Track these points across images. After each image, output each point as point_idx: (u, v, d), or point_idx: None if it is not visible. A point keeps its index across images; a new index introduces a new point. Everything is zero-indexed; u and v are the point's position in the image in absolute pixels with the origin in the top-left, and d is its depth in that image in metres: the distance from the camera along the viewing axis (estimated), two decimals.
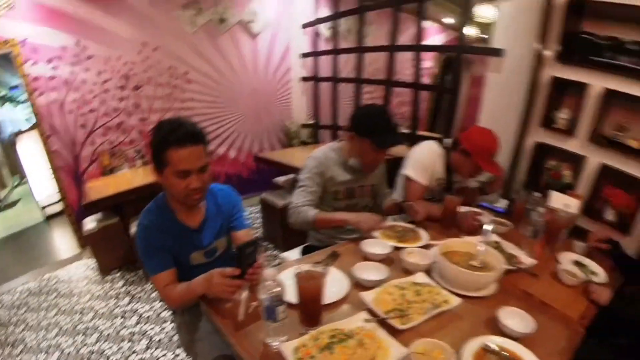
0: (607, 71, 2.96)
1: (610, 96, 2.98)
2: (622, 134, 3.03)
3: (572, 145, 3.25)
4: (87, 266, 4.22)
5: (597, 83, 3.02)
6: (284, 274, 1.88)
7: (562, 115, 3.28)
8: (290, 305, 1.59)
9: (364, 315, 1.64)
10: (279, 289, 1.44)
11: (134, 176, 4.27)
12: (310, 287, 1.53)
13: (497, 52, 3.55)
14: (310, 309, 1.58)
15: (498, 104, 3.66)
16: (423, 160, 2.83)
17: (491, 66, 3.66)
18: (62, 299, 3.64)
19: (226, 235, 2.20)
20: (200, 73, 4.96)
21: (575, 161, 3.23)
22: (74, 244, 4.52)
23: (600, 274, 2.38)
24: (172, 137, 1.71)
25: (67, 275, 4.07)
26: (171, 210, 1.96)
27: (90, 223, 4.05)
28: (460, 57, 3.98)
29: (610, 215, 3.09)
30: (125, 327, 3.22)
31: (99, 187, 3.96)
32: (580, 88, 3.11)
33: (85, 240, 4.15)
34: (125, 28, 4.30)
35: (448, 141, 2.94)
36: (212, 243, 2.10)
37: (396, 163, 3.07)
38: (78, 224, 4.31)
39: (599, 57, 3.00)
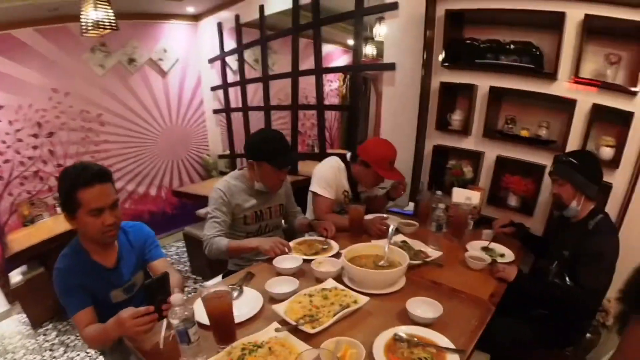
0: (491, 71, 3.18)
1: (497, 93, 3.21)
2: (512, 126, 3.26)
3: (468, 143, 3.45)
4: (18, 321, 4.01)
5: (484, 83, 3.23)
6: (198, 300, 1.90)
7: (456, 117, 3.47)
8: (205, 327, 1.66)
9: (275, 325, 1.70)
10: (187, 312, 1.48)
11: (56, 224, 4.11)
12: (217, 306, 1.58)
13: (389, 67, 3.74)
14: (222, 327, 1.64)
15: (396, 114, 3.83)
16: (326, 176, 2.95)
17: (386, 80, 3.85)
18: None
19: (142, 270, 2.23)
20: (114, 114, 4.92)
21: (473, 157, 3.43)
22: (2, 299, 4.28)
23: (507, 255, 2.59)
24: (80, 179, 1.77)
25: None
26: (86, 252, 1.97)
27: (16, 276, 3.90)
28: (356, 75, 4.17)
29: (513, 201, 3.29)
30: None
31: (21, 239, 3.85)
32: (469, 90, 3.30)
33: (13, 295, 3.99)
34: (34, 75, 4.22)
35: (348, 155, 3.09)
36: (130, 279, 2.12)
37: (307, 182, 3.16)
38: (4, 279, 4.11)
39: (482, 59, 3.20)
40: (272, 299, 1.97)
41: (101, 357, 3.25)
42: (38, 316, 3.90)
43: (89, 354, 3.37)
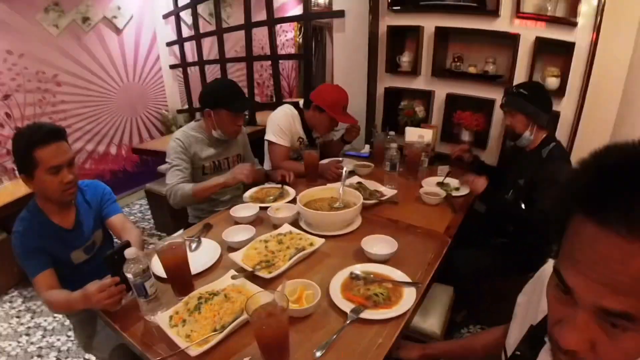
0: (436, 11, 3.16)
1: (443, 33, 3.18)
2: (460, 64, 3.26)
3: (418, 83, 3.45)
4: None
5: (429, 24, 3.21)
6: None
7: (405, 59, 3.44)
8: (163, 280, 1.61)
9: (231, 273, 1.68)
10: (141, 266, 1.43)
11: (16, 187, 3.90)
12: (172, 258, 1.54)
13: (338, 14, 3.66)
14: (179, 279, 1.60)
15: (347, 60, 3.78)
16: (280, 123, 2.89)
17: (336, 27, 3.76)
18: None
19: (101, 227, 2.16)
20: (70, 74, 4.69)
21: (424, 97, 3.44)
22: None
23: (462, 188, 2.61)
24: (35, 138, 1.70)
25: None
26: (44, 214, 1.90)
27: None
28: (307, 24, 4.07)
29: (466, 136, 3.32)
30: (32, 343, 3.03)
31: None
32: (416, 31, 3.28)
33: None
34: None
35: (301, 102, 3.03)
36: (89, 239, 2.05)
37: (262, 133, 3.11)
38: None
39: (426, 0, 3.16)
40: (230, 248, 1.93)
41: (67, 320, 3.22)
42: (2, 284, 3.75)
43: (57, 319, 3.29)
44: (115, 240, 2.32)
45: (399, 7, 3.29)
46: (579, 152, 2.41)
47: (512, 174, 2.55)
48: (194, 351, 1.28)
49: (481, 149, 3.28)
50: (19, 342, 3.09)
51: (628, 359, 0.61)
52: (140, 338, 1.43)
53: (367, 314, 1.45)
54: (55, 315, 3.33)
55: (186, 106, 5.89)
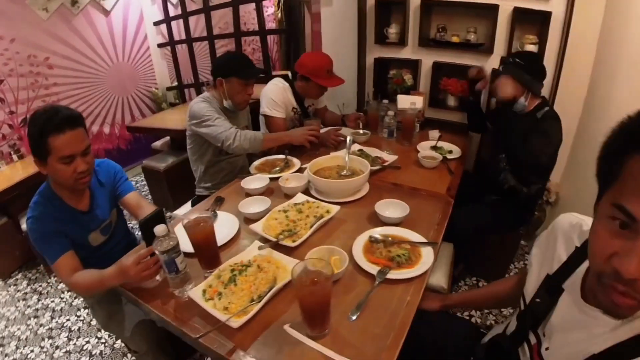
0: None
1: (427, 5, 3.12)
2: (443, 33, 3.22)
3: (405, 52, 3.39)
4: None
5: None
6: (177, 228, 1.76)
7: (392, 30, 3.37)
8: (189, 255, 1.52)
9: (257, 244, 1.61)
10: (172, 242, 1.34)
11: (13, 172, 3.74)
12: (200, 233, 1.45)
13: None
14: (207, 253, 1.51)
15: (335, 33, 3.67)
16: (274, 96, 2.80)
17: (323, 1, 3.62)
18: None
19: (116, 206, 2.04)
20: (61, 57, 4.48)
21: (412, 66, 3.38)
22: None
23: (455, 151, 2.60)
24: (50, 125, 1.53)
25: None
26: (58, 198, 1.76)
27: None
28: None
29: (451, 101, 3.32)
30: (41, 325, 2.92)
31: None
32: (402, 4, 3.20)
33: None
34: None
35: (289, 74, 2.95)
36: (106, 219, 1.93)
37: (255, 105, 3.03)
38: None
39: None
40: (247, 219, 1.86)
41: (76, 299, 3.10)
42: (6, 267, 3.61)
43: (64, 299, 3.16)
44: (128, 221, 2.22)
45: None
46: (559, 111, 2.42)
47: (506, 134, 2.49)
48: (235, 323, 1.22)
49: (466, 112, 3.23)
50: (27, 324, 2.96)
51: None
52: (174, 314, 1.35)
53: (392, 275, 1.43)
54: (62, 295, 3.20)
55: (175, 83, 5.72)
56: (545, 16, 2.70)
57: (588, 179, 2.86)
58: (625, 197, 0.66)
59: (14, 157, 4.05)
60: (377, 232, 1.68)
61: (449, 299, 1.67)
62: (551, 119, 2.30)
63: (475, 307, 1.59)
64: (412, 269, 1.46)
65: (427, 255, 1.54)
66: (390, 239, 1.62)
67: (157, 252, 1.34)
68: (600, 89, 2.72)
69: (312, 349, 1.17)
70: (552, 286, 0.99)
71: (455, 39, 3.15)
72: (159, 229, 1.33)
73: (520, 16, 2.80)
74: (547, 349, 0.96)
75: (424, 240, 1.63)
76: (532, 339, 1.02)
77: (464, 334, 1.54)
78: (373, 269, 1.45)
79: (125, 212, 2.11)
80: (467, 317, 2.57)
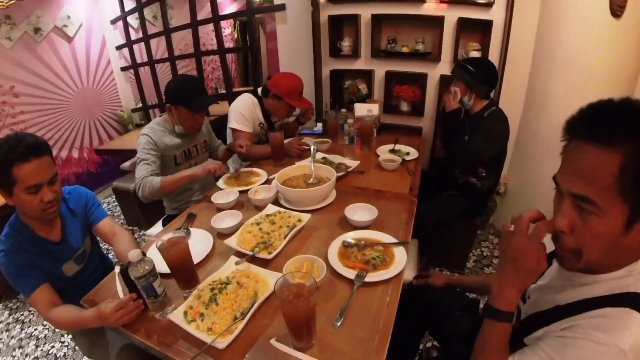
0: (371, 1, 3.07)
1: (378, 19, 3.11)
2: (394, 45, 3.21)
3: (359, 64, 3.36)
4: None
5: (365, 12, 3.13)
6: (151, 249, 1.65)
7: (346, 44, 3.34)
8: (165, 276, 1.39)
9: (233, 259, 1.50)
10: (147, 266, 1.22)
11: None
12: (176, 254, 1.32)
13: (280, 7, 3.49)
14: (184, 273, 1.39)
15: (291, 49, 3.63)
16: (243, 111, 2.69)
17: (278, 20, 3.59)
18: None
19: (89, 234, 1.87)
20: (27, 85, 4.26)
21: (366, 76, 3.36)
22: None
23: (412, 152, 2.58)
24: (13, 154, 1.36)
25: None
26: (29, 229, 1.58)
27: None
28: (252, 17, 3.84)
29: (404, 107, 3.32)
30: (26, 355, 2.68)
31: None
32: (354, 19, 3.19)
33: None
34: None
35: (259, 90, 2.83)
36: (79, 248, 1.76)
37: (223, 120, 2.93)
38: None
39: None
40: (221, 234, 1.75)
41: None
42: None
43: (46, 326, 2.93)
44: (104, 245, 2.06)
45: None
46: (504, 109, 2.47)
47: (456, 135, 2.55)
48: (221, 343, 1.11)
49: (419, 116, 3.28)
50: (13, 356, 2.73)
51: (595, 239, 0.79)
52: (157, 339, 1.23)
53: (370, 277, 1.36)
54: (44, 323, 2.97)
55: (140, 105, 5.55)
56: (487, 25, 2.77)
57: (532, 170, 2.95)
58: (558, 171, 0.85)
59: None
60: (350, 236, 1.60)
61: (453, 279, 1.70)
62: (494, 117, 2.37)
63: (475, 291, 1.59)
64: (388, 270, 1.40)
65: (400, 255, 1.48)
66: (363, 242, 1.55)
67: (133, 278, 1.22)
68: (538, 87, 2.82)
69: None
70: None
71: (405, 49, 3.15)
72: (133, 254, 1.21)
73: (464, 25, 2.84)
74: (525, 302, 1.10)
75: (395, 240, 1.57)
76: (520, 302, 1.08)
77: (467, 300, 1.61)
78: (350, 274, 1.37)
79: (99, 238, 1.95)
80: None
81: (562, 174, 0.83)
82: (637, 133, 0.72)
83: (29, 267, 1.51)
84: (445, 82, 3.02)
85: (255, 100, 2.78)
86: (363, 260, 1.44)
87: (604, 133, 0.74)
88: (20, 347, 2.80)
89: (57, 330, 2.87)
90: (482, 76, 2.38)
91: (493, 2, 2.69)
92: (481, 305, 1.20)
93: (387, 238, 1.58)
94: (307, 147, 2.57)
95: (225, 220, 1.81)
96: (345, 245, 1.55)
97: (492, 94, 2.54)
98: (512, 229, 0.94)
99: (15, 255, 1.50)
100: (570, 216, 0.81)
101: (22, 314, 3.13)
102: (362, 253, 1.48)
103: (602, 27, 2.38)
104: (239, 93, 2.88)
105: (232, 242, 1.61)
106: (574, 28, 2.47)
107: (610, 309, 0.82)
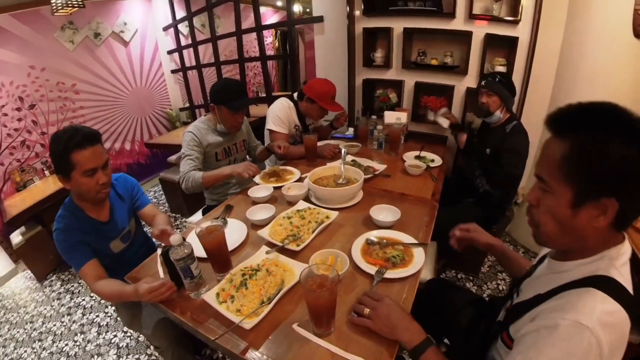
0: (403, 15, 3.04)
1: (409, 32, 3.07)
2: (424, 57, 3.16)
3: (390, 74, 3.32)
4: (24, 277, 3.61)
5: (398, 25, 3.09)
6: (191, 235, 1.69)
7: (378, 55, 3.31)
8: (202, 260, 1.43)
9: (265, 248, 1.52)
10: (186, 250, 1.26)
11: (46, 185, 3.75)
12: (213, 240, 1.36)
13: (318, 19, 3.50)
14: (219, 258, 1.42)
15: (328, 58, 3.63)
16: (279, 114, 2.71)
17: (316, 31, 3.60)
18: (11, 313, 3.09)
19: (134, 217, 1.96)
20: (86, 83, 4.46)
21: (396, 85, 3.31)
22: (7, 260, 3.82)
23: (436, 160, 2.54)
24: (72, 142, 1.47)
25: (9, 291, 3.45)
26: (81, 210, 1.67)
27: (16, 237, 3.51)
28: (292, 28, 3.85)
29: (431, 116, 3.21)
30: (74, 321, 2.83)
31: (17, 203, 3.45)
32: (386, 32, 3.15)
33: (16, 255, 3.58)
34: (13, 55, 3.73)
35: (296, 94, 2.85)
36: (125, 228, 1.84)
37: (262, 121, 2.95)
38: (6, 242, 3.71)
39: (394, 6, 3.06)
40: (255, 225, 1.77)
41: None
42: (42, 270, 3.54)
43: (93, 297, 3.08)
44: (146, 228, 2.13)
45: (371, 12, 3.18)
46: (526, 123, 2.41)
47: (479, 145, 2.51)
48: (248, 324, 1.14)
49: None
50: (62, 321, 2.88)
51: (548, 212, 0.87)
52: (190, 316, 1.27)
53: (389, 274, 1.35)
54: (92, 294, 3.12)
55: (187, 104, 5.69)
56: (513, 41, 2.69)
57: None
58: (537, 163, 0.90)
59: (46, 172, 4.05)
60: (373, 234, 1.60)
61: (495, 240, 1.49)
62: (518, 133, 2.30)
63: (508, 264, 1.47)
64: (406, 269, 1.39)
65: (418, 255, 1.47)
66: (385, 241, 1.54)
67: (173, 259, 1.26)
68: (560, 103, 2.61)
69: (319, 346, 1.10)
70: (542, 259, 1.09)
71: (434, 62, 3.10)
72: (175, 238, 1.25)
73: (491, 41, 2.77)
74: (517, 295, 1.08)
75: (415, 241, 1.55)
76: (515, 295, 1.10)
77: (472, 296, 1.62)
78: (371, 269, 1.37)
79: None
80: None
81: (536, 164, 0.91)
82: (579, 129, 0.80)
83: (80, 244, 1.59)
84: (470, 95, 2.97)
85: (292, 103, 2.79)
86: (384, 258, 1.43)
87: (556, 127, 0.84)
88: (69, 314, 2.94)
89: (102, 301, 3.00)
90: (513, 89, 2.35)
91: (520, 20, 2.61)
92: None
93: (407, 238, 1.57)
94: (338, 150, 2.57)
95: (259, 213, 1.83)
96: (369, 243, 1.54)
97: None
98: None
99: (69, 233, 1.58)
100: (535, 193, 0.90)
101: (72, 285, 3.30)
102: (383, 251, 1.48)
103: (624, 48, 2.29)
104: (278, 97, 2.91)
105: (264, 233, 1.63)
106: (597, 48, 2.38)
107: (572, 290, 0.84)
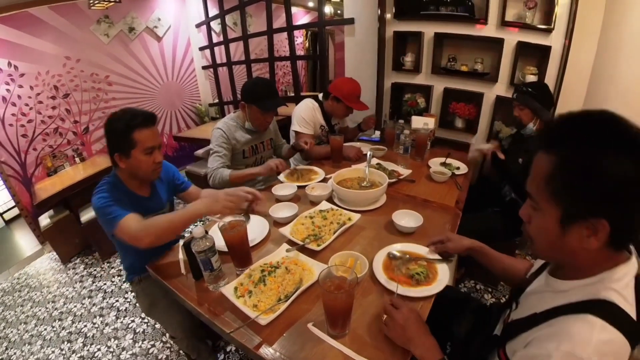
0: (434, 20, 3.02)
1: (440, 37, 3.05)
2: (454, 63, 3.12)
3: (419, 79, 3.30)
4: (50, 258, 3.75)
5: (429, 30, 3.07)
6: (214, 229, 1.70)
7: (408, 59, 3.29)
8: (223, 253, 1.44)
9: (285, 246, 1.52)
10: (208, 243, 1.27)
11: (75, 172, 3.86)
12: (234, 235, 1.37)
13: (349, 21, 3.48)
14: (240, 253, 1.43)
15: (357, 60, 3.61)
16: (305, 115, 2.71)
17: (347, 32, 3.59)
18: (34, 292, 3.21)
19: (171, 200, 2.02)
20: (119, 75, 4.59)
21: (425, 90, 3.29)
22: (35, 241, 3.99)
23: (462, 167, 2.47)
24: (135, 121, 1.56)
25: (34, 270, 3.59)
26: (124, 185, 1.70)
27: (45, 220, 3.61)
28: (323, 29, 3.84)
29: (459, 123, 3.23)
30: (94, 304, 2.90)
31: (47, 187, 3.56)
32: (417, 36, 3.13)
33: (43, 236, 3.67)
34: (50, 46, 3.87)
35: (321, 95, 2.84)
36: (163, 207, 1.89)
37: (287, 120, 2.98)
38: (35, 223, 3.87)
39: (426, 11, 3.03)
40: (277, 223, 1.78)
41: (125, 283, 3.08)
42: (67, 253, 3.65)
43: (114, 282, 3.16)
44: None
45: (402, 16, 3.16)
46: None
47: (512, 155, 2.40)
48: (263, 320, 1.13)
49: (472, 133, 3.18)
50: (82, 303, 2.96)
51: (538, 231, 0.85)
52: (208, 307, 1.28)
53: (413, 292, 1.27)
54: (113, 279, 3.20)
55: (216, 100, 5.76)
56: (546, 50, 2.62)
57: None
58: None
59: (77, 159, 4.20)
60: (396, 248, 1.52)
61: (475, 244, 1.48)
62: None
63: (489, 264, 1.42)
64: (430, 287, 1.30)
65: (443, 272, 1.39)
66: (407, 256, 1.46)
67: (194, 251, 1.27)
68: None
69: (332, 347, 1.09)
70: (542, 267, 1.05)
71: (464, 68, 3.06)
72: (197, 231, 1.26)
73: (523, 49, 2.71)
74: (514, 309, 1.03)
75: (438, 257, 1.47)
76: (514, 306, 1.05)
77: (477, 303, 1.55)
78: (393, 286, 1.27)
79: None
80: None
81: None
82: (564, 144, 0.75)
83: (120, 202, 1.52)
84: (500, 103, 2.92)
85: (317, 104, 2.79)
86: (407, 275, 1.36)
87: (545, 139, 0.81)
88: (90, 297, 3.02)
89: (122, 287, 3.07)
90: (546, 101, 2.25)
91: (553, 29, 2.54)
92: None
93: (432, 255, 1.48)
94: (364, 153, 2.56)
95: (282, 211, 1.83)
96: (390, 257, 1.48)
97: None
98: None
99: (110, 192, 1.55)
100: (527, 209, 0.88)
101: (95, 269, 3.39)
102: (406, 267, 1.40)
103: None
104: (306, 97, 2.91)
105: (286, 231, 1.63)
106: (631, 58, 2.27)
107: (569, 316, 0.78)
